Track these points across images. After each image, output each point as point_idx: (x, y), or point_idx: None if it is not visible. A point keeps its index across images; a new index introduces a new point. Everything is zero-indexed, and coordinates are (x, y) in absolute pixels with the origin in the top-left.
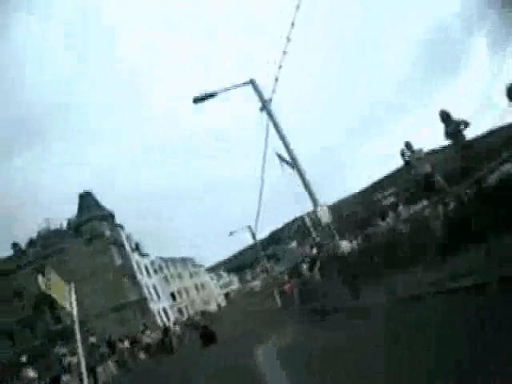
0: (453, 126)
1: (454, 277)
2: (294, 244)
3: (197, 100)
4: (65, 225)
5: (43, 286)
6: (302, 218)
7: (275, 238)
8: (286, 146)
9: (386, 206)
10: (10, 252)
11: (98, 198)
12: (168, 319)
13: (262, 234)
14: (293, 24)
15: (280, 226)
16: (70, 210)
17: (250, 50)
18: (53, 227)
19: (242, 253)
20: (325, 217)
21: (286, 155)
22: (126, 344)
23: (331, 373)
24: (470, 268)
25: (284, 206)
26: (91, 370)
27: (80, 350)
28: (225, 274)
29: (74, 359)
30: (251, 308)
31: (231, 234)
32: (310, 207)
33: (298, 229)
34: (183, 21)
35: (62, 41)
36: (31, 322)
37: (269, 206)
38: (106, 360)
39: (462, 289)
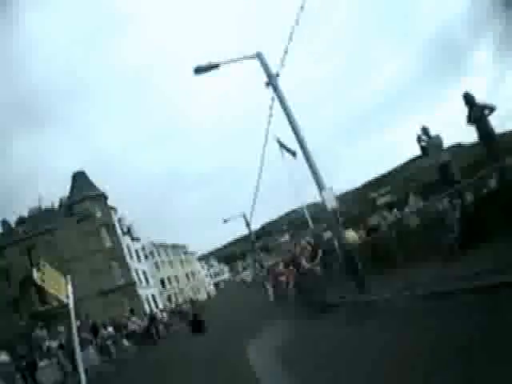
0: (477, 111)
1: (479, 273)
2: (286, 237)
3: (199, 70)
4: (56, 204)
5: (38, 281)
6: (299, 210)
7: (267, 230)
8: (293, 125)
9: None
10: None
11: (93, 179)
12: (156, 306)
13: (254, 226)
14: None
15: (273, 218)
16: (66, 190)
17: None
18: (45, 206)
19: (233, 243)
20: (330, 201)
21: (292, 134)
22: (110, 330)
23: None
24: (497, 264)
25: (277, 199)
26: (70, 355)
27: (76, 343)
28: (216, 264)
29: (54, 343)
30: (242, 299)
31: (225, 221)
32: (308, 200)
33: (292, 221)
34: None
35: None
36: (17, 303)
37: (263, 198)
38: (86, 346)
39: (491, 287)
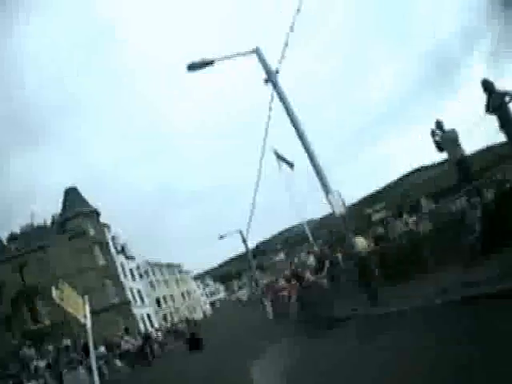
0: (497, 98)
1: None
2: (281, 255)
3: (192, 67)
4: (49, 221)
5: (57, 299)
6: (299, 226)
7: (261, 249)
8: (295, 124)
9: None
10: None
11: (86, 195)
12: (152, 325)
13: (249, 245)
14: None
15: (267, 237)
16: (58, 207)
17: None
18: (38, 223)
19: (228, 262)
20: (338, 206)
21: (294, 133)
22: (102, 349)
23: None
24: None
25: (271, 219)
26: (58, 376)
27: (93, 363)
28: (211, 283)
29: (42, 363)
30: (239, 317)
31: (221, 237)
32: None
33: (286, 240)
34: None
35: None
36: (9, 320)
37: (257, 218)
38: (76, 366)
39: None
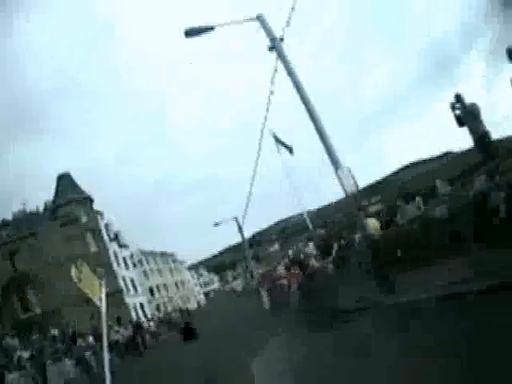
0: None
1: None
2: (276, 246)
3: (189, 33)
4: (42, 208)
5: (75, 279)
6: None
7: (257, 240)
8: (301, 93)
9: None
10: None
11: (79, 181)
12: (145, 315)
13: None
14: None
15: (262, 228)
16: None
17: None
18: (30, 210)
19: (223, 253)
20: (349, 184)
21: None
22: (91, 340)
23: None
24: None
25: (266, 209)
26: (41, 367)
27: (105, 353)
28: (205, 273)
29: (26, 354)
30: (234, 308)
31: (217, 224)
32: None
33: (283, 230)
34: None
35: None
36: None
37: (252, 208)
38: (61, 356)
39: None
